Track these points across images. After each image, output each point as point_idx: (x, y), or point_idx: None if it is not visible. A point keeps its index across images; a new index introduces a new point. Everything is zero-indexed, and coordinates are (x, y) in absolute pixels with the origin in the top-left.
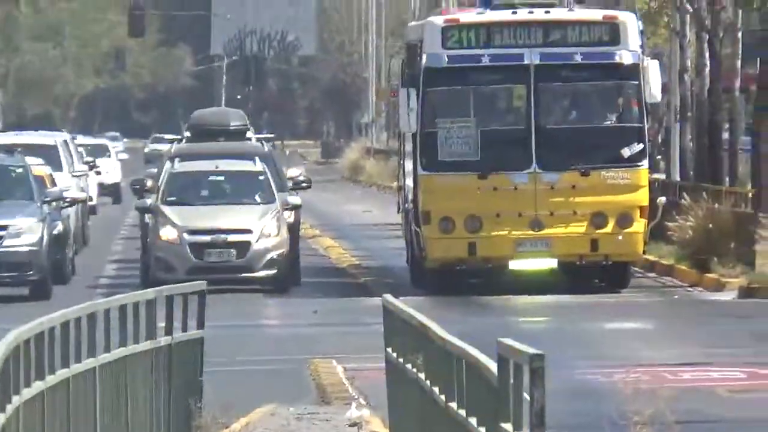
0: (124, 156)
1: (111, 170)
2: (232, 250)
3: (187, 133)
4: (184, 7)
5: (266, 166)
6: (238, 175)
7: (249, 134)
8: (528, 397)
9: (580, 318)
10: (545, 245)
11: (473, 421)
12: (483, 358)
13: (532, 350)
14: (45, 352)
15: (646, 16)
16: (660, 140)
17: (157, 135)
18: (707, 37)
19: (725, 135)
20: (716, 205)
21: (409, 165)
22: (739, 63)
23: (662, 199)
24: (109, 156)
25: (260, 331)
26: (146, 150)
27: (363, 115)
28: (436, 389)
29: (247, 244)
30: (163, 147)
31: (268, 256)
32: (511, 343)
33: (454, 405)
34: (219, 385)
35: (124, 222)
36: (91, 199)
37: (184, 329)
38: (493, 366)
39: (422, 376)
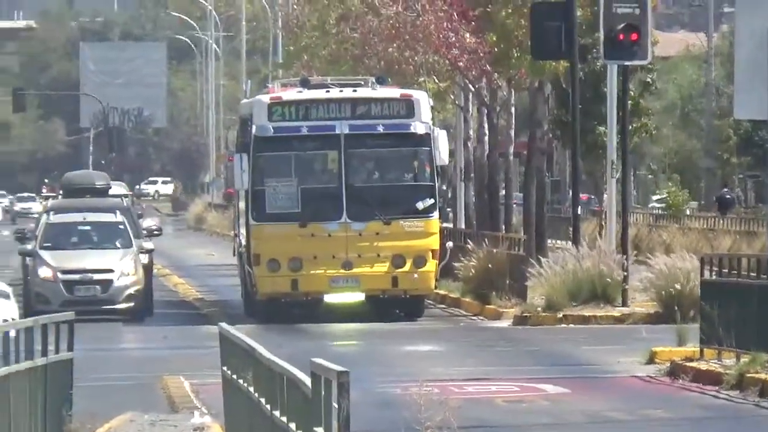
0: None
1: None
2: (97, 286)
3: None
4: (58, 88)
5: (125, 217)
6: (102, 225)
7: (111, 191)
8: (336, 406)
9: (382, 342)
10: (355, 282)
11: (293, 426)
12: (300, 375)
13: (338, 368)
14: None
15: (436, 94)
16: (449, 196)
17: (21, 195)
18: (486, 111)
19: (501, 192)
20: (494, 249)
21: (242, 217)
22: (513, 132)
23: (450, 244)
24: None
25: (120, 354)
26: (15, 208)
27: (205, 176)
28: (262, 400)
29: (110, 281)
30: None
31: (127, 291)
32: (321, 362)
33: (277, 413)
34: (86, 397)
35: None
36: None
37: (57, 351)
38: (307, 381)
39: (251, 389)
